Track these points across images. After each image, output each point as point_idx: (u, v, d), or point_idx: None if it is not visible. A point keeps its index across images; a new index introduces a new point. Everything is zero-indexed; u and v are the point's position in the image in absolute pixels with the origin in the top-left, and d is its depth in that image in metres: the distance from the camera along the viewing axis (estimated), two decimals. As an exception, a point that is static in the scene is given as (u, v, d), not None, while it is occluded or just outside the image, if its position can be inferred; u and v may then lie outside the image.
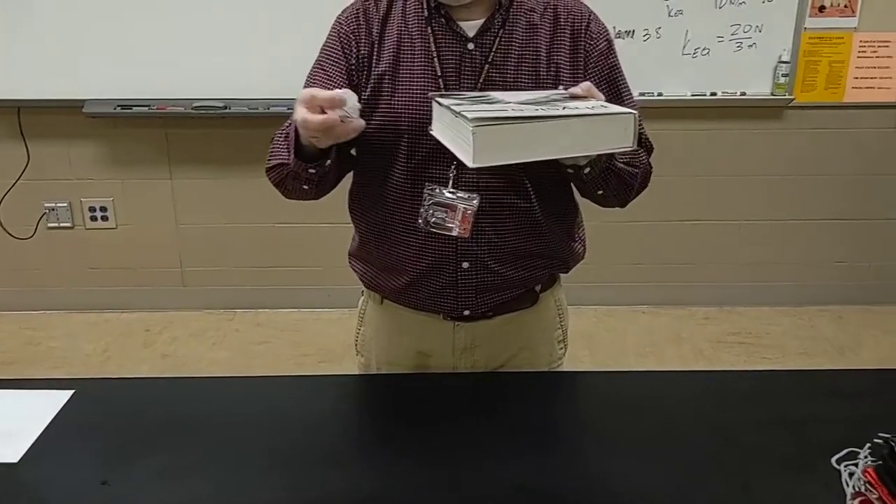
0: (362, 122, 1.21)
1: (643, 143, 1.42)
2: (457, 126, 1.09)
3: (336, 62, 1.37)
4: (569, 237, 1.50)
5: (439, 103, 1.18)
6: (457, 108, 1.09)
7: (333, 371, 3.13)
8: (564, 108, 1.10)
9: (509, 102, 1.14)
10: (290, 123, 1.27)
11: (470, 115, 1.04)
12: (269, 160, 1.36)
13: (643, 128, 1.43)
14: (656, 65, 3.32)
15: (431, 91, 1.31)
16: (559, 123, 1.07)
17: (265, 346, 3.43)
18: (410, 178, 1.37)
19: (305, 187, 1.32)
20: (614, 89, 1.38)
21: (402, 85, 1.35)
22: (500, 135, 1.04)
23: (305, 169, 1.26)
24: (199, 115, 3.30)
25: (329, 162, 1.27)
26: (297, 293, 3.71)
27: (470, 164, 1.04)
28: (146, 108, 3.28)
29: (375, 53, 1.37)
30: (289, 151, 1.26)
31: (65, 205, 3.58)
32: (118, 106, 3.28)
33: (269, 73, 3.19)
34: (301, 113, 1.15)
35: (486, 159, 1.05)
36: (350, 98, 1.19)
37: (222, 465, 1.20)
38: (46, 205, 3.58)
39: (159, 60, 3.24)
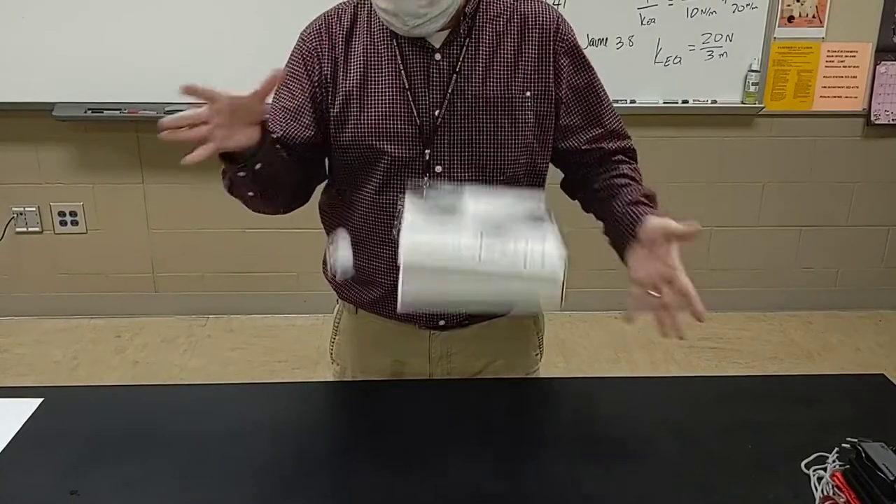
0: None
1: (627, 152, 1.45)
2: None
3: (299, 80, 1.36)
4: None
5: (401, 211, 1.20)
6: (401, 234, 1.12)
7: (307, 378, 3.12)
8: (503, 254, 1.12)
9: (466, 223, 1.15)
10: None
11: (404, 256, 1.09)
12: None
13: (628, 140, 1.46)
14: (629, 72, 3.35)
15: (400, 104, 1.32)
16: (483, 279, 1.11)
17: (238, 352, 3.41)
18: (383, 191, 1.36)
19: (250, 193, 1.30)
20: (592, 93, 1.41)
21: (371, 99, 1.34)
22: (425, 280, 1.11)
23: (235, 172, 1.25)
24: (172, 120, 3.27)
25: (259, 166, 1.24)
26: (270, 299, 3.69)
27: (399, 308, 1.10)
28: (117, 112, 3.25)
29: (341, 69, 1.36)
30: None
31: (33, 209, 3.53)
32: (89, 109, 3.25)
33: (241, 77, 3.12)
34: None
35: (413, 302, 1.11)
36: None
37: (192, 474, 1.19)
38: (14, 209, 3.53)
39: (131, 63, 3.21)
